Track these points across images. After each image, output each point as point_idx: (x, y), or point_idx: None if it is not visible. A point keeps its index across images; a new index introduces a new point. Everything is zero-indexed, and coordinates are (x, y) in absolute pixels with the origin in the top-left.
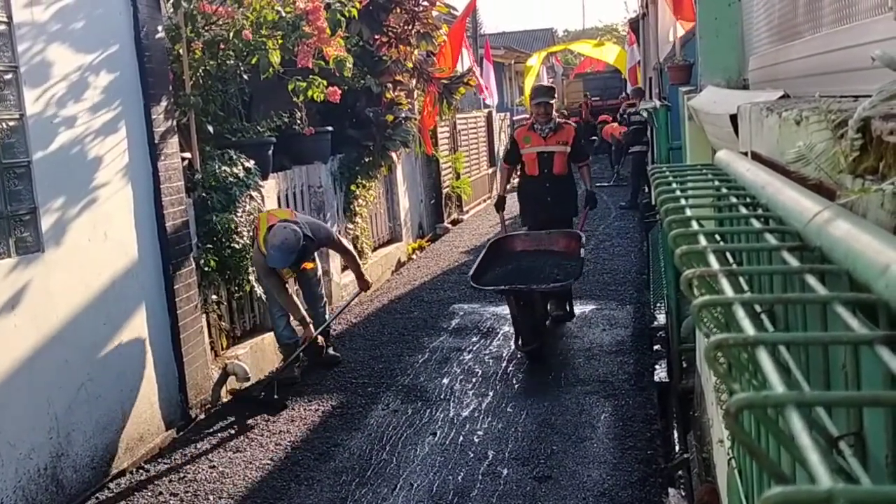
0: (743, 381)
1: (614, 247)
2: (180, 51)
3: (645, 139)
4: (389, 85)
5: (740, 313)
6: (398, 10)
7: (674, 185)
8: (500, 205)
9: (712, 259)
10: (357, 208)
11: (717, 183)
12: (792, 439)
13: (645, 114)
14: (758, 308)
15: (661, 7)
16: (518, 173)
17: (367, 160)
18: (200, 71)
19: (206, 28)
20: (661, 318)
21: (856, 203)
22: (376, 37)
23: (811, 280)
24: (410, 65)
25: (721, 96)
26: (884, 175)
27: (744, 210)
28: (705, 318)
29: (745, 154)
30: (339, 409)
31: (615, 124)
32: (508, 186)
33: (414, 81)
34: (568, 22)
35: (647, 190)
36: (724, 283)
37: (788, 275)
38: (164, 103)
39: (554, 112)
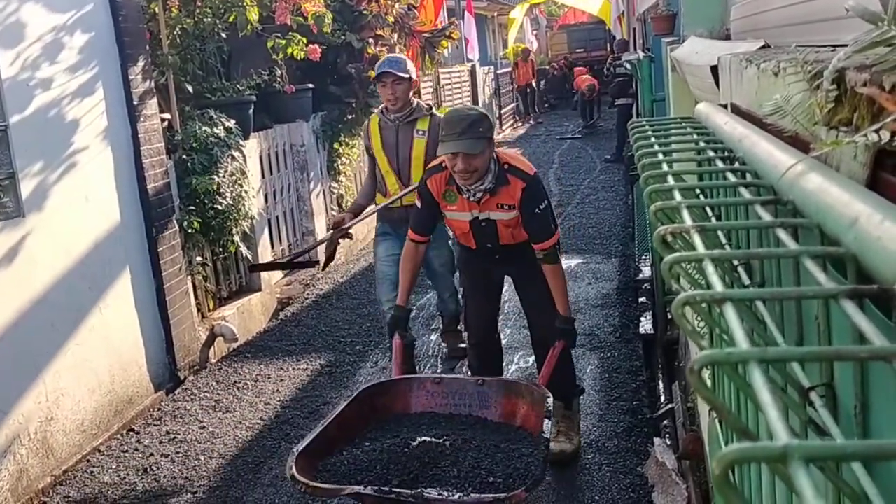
0: (714, 336)
1: (599, 200)
2: (156, 9)
3: (630, 91)
4: (371, 40)
5: (710, 269)
6: None
7: (652, 140)
8: (395, 322)
9: (686, 215)
10: (341, 167)
11: (695, 136)
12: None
13: (629, 66)
14: (735, 262)
15: None
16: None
17: (349, 117)
18: (177, 29)
19: None
20: (646, 271)
21: (830, 155)
22: None
23: (782, 234)
24: (391, 19)
25: (703, 47)
26: (857, 126)
27: (720, 164)
28: (676, 274)
29: (726, 106)
30: (328, 368)
31: (587, 76)
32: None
33: (396, 36)
34: None
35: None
36: (696, 239)
37: (762, 229)
38: (141, 63)
39: (490, 161)
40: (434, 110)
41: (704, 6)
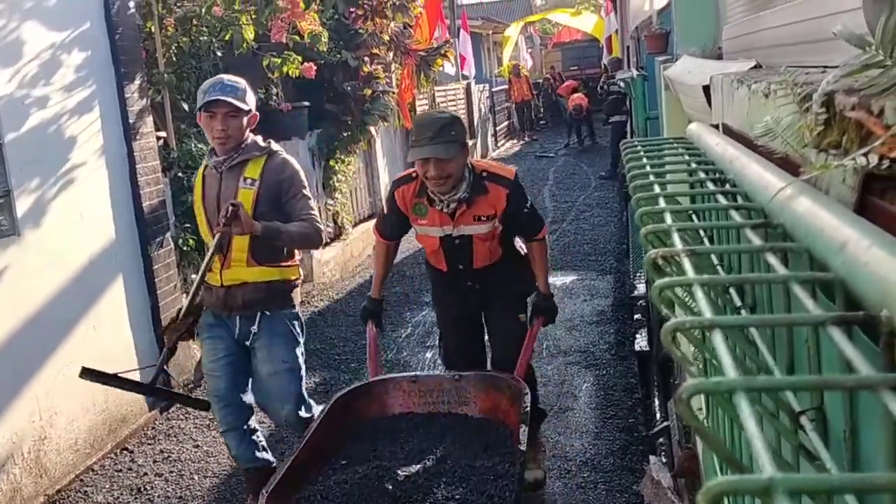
0: (706, 361)
1: (594, 217)
2: (152, 28)
3: (624, 109)
4: (366, 58)
5: (699, 294)
6: None
7: (643, 161)
8: (369, 314)
9: (676, 238)
10: (336, 184)
11: (687, 157)
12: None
13: (622, 84)
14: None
15: None
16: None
17: (345, 135)
18: (173, 48)
19: (178, 4)
20: (641, 288)
21: (820, 178)
22: (352, 10)
23: (772, 259)
24: (387, 37)
25: (695, 66)
26: (846, 150)
27: (711, 186)
28: (666, 298)
29: (717, 126)
30: (323, 386)
31: (577, 94)
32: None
33: (391, 54)
34: None
35: None
36: (686, 263)
37: (753, 253)
38: (137, 81)
39: (464, 168)
40: (275, 146)
41: (697, 25)
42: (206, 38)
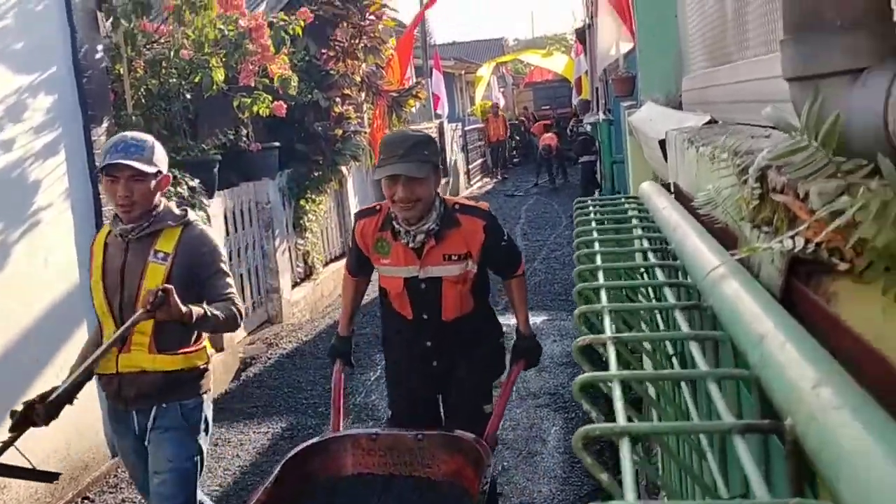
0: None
1: (565, 256)
2: (121, 70)
3: (593, 149)
4: (338, 99)
5: (617, 393)
6: (345, 25)
7: (592, 225)
8: (337, 353)
9: (607, 322)
10: (307, 223)
11: (635, 222)
12: None
13: (589, 127)
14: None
15: (603, 22)
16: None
17: (316, 174)
18: (142, 90)
19: (148, 47)
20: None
21: (753, 257)
22: (323, 51)
23: (694, 350)
24: (359, 78)
25: (657, 114)
26: (777, 228)
27: (652, 257)
28: (585, 396)
29: (670, 186)
30: (290, 432)
31: (548, 135)
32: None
33: (363, 95)
34: (518, 31)
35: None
36: (611, 353)
37: (679, 340)
38: (105, 125)
39: (435, 196)
40: (192, 215)
41: (660, 72)
42: (175, 80)
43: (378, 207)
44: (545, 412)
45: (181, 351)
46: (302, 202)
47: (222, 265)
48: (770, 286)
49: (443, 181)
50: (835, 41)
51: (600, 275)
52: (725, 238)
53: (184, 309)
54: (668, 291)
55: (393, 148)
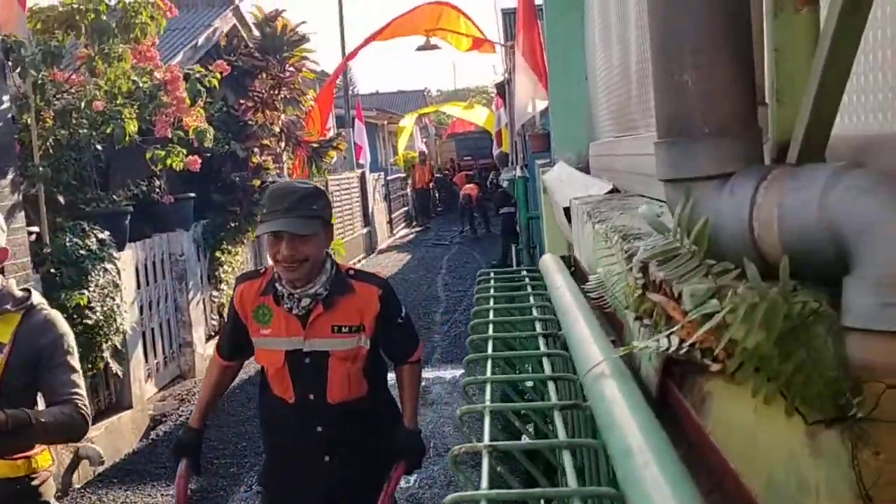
0: None
1: None
2: (28, 120)
3: (513, 200)
4: (256, 149)
5: None
6: (264, 76)
7: (489, 304)
8: (182, 449)
9: (486, 423)
10: (222, 275)
11: (532, 301)
12: None
13: (506, 183)
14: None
15: (519, 80)
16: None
17: (233, 225)
18: (51, 140)
19: (58, 97)
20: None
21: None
22: (241, 102)
23: (566, 460)
24: (278, 129)
25: (567, 176)
26: (656, 322)
27: (542, 345)
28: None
29: (570, 259)
30: (199, 494)
31: (469, 185)
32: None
33: (282, 145)
34: (440, 82)
35: (516, 248)
36: (484, 465)
37: (553, 449)
38: (9, 176)
39: (326, 257)
40: (36, 298)
41: (571, 133)
42: (86, 130)
43: (263, 270)
44: (463, 469)
45: (20, 455)
46: (217, 253)
47: (68, 358)
48: (648, 385)
49: (363, 230)
50: (703, 147)
51: (488, 367)
52: (614, 324)
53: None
54: (551, 387)
55: (277, 201)
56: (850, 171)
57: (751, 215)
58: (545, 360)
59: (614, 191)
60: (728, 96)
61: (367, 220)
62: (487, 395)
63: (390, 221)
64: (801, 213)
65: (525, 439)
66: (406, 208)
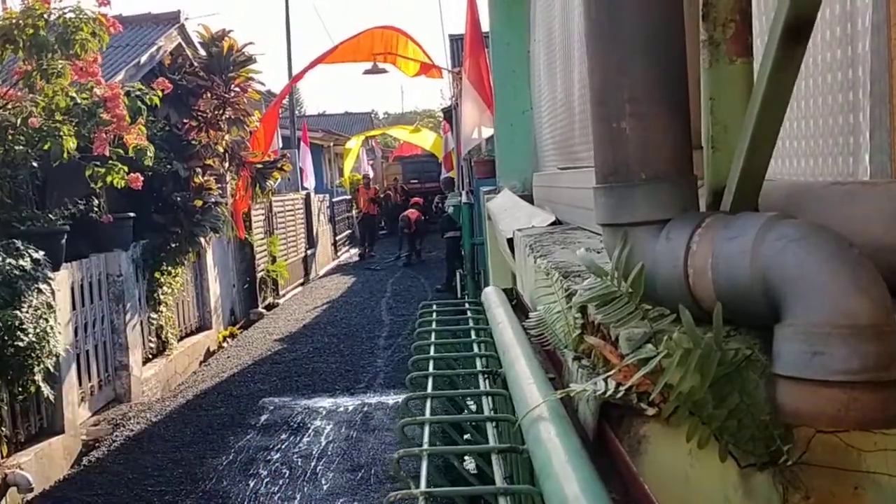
0: None
1: None
2: None
3: (458, 225)
4: (199, 169)
5: None
6: (208, 96)
7: (431, 339)
8: None
9: (423, 467)
10: (162, 296)
11: (473, 336)
12: None
13: (451, 209)
14: None
15: (465, 106)
16: None
17: (173, 246)
18: None
19: None
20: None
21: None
22: (185, 121)
23: None
24: (221, 149)
25: (511, 204)
26: (594, 363)
27: (482, 382)
28: None
29: (511, 292)
30: None
31: (411, 209)
32: None
33: (226, 165)
34: (388, 105)
35: (461, 273)
36: None
37: (490, 495)
38: None
39: None
40: None
41: (517, 161)
42: (21, 147)
43: None
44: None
45: None
46: (157, 274)
47: None
48: (586, 427)
49: (309, 251)
50: (640, 192)
51: (427, 407)
52: (554, 362)
53: None
54: (489, 428)
55: None
56: (780, 221)
57: (685, 262)
58: (485, 400)
59: (556, 223)
60: (664, 144)
61: (311, 241)
62: (426, 438)
63: (335, 244)
64: (734, 261)
65: (466, 468)
66: (350, 230)
